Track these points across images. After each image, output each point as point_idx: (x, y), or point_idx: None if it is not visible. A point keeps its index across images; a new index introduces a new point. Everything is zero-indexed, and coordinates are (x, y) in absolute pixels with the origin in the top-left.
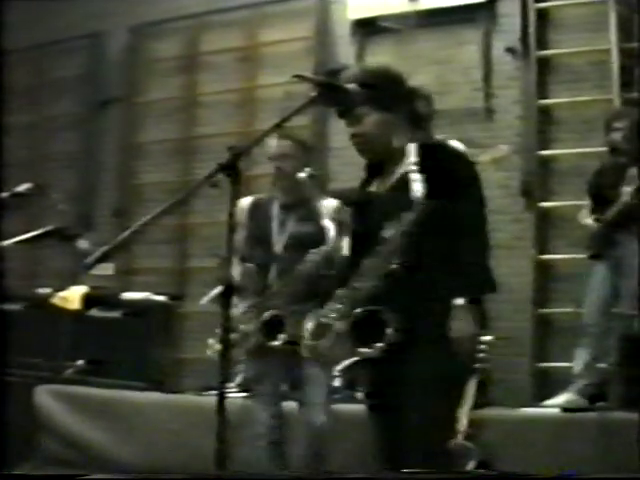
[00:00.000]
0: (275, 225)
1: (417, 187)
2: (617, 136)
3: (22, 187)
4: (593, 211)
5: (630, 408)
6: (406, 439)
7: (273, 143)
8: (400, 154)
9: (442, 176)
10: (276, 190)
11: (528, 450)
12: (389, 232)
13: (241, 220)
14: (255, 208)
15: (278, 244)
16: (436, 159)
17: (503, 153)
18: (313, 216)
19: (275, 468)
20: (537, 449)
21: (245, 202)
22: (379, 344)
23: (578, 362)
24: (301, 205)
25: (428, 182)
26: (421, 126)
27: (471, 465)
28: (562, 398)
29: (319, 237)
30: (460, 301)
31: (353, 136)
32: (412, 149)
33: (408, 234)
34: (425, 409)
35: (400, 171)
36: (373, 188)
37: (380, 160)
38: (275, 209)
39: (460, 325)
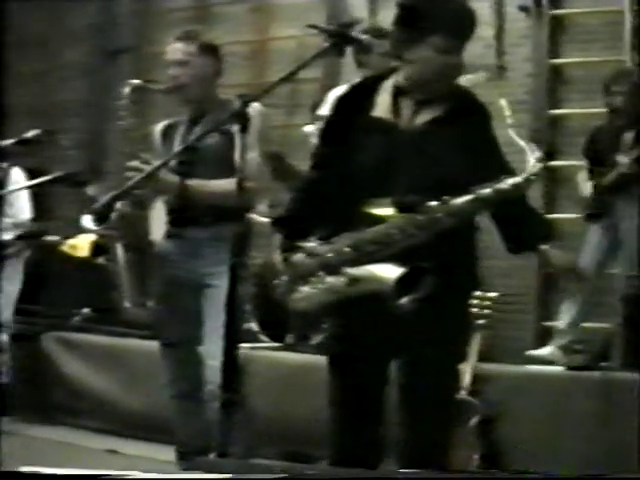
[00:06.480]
0: (177, 141)
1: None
2: (616, 99)
3: (31, 133)
4: (590, 172)
5: (632, 368)
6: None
7: (171, 47)
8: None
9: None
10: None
11: (531, 407)
12: (479, 191)
13: (156, 145)
14: (167, 130)
15: (174, 160)
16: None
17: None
18: (223, 128)
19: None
20: (540, 406)
21: (158, 126)
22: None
23: (564, 318)
24: (209, 117)
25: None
26: None
27: (474, 421)
28: (545, 351)
29: (224, 149)
30: None
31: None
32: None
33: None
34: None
35: (441, 111)
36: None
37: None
38: (183, 126)
39: None
